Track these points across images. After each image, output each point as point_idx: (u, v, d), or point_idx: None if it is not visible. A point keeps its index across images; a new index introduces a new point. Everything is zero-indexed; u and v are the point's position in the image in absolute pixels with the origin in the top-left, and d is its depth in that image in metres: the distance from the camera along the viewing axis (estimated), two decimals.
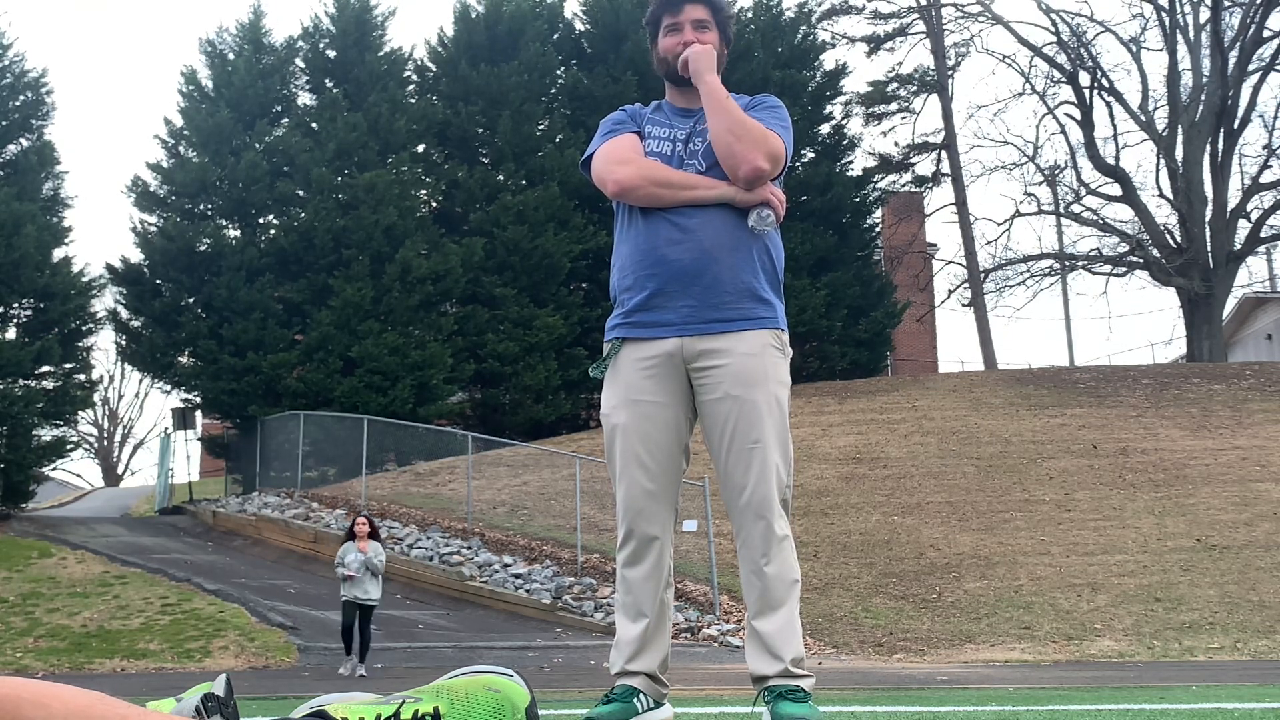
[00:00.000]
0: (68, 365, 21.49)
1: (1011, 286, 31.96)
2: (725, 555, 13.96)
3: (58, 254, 21.70)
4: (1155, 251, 29.31)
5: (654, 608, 2.79)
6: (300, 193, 23.44)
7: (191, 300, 23.05)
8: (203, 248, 23.11)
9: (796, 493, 16.85)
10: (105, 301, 26.33)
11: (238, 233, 23.87)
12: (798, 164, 27.64)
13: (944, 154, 30.62)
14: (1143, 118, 30.07)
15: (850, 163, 28.62)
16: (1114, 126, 36.31)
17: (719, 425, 2.77)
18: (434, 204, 25.21)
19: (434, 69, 26.43)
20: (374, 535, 10.79)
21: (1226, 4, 28.65)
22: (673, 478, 2.84)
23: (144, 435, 65.68)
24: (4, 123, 22.22)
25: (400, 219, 22.90)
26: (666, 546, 2.83)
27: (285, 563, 15.87)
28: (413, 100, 25.50)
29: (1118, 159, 30.63)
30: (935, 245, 35.26)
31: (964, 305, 30.77)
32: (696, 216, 2.76)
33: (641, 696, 2.75)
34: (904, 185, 31.79)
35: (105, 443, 46.12)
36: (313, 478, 20.01)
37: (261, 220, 24.22)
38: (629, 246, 2.87)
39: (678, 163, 2.83)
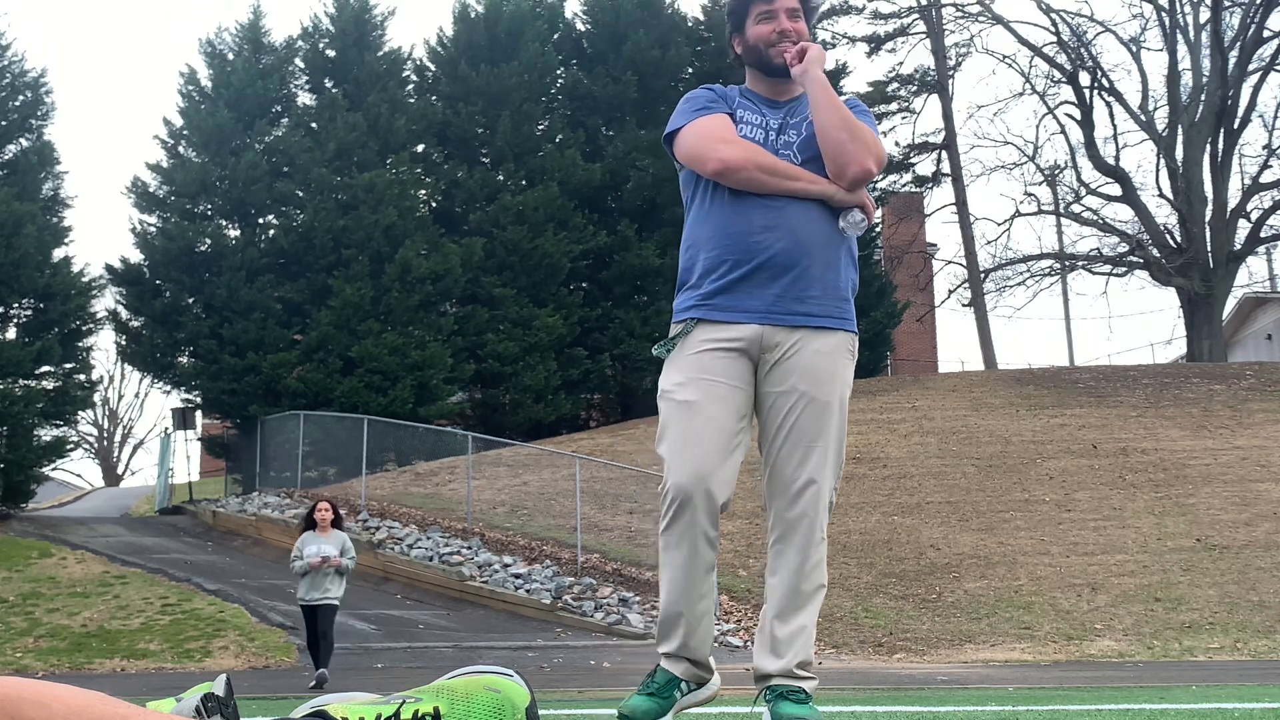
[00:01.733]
0: (68, 365, 21.49)
1: (1011, 286, 31.98)
2: (725, 555, 13.96)
3: (58, 254, 21.70)
4: (1155, 251, 29.31)
5: (704, 587, 2.73)
6: (300, 193, 23.43)
7: (191, 300, 23.05)
8: (203, 248, 23.11)
9: None
10: (105, 301, 26.35)
11: (238, 233, 23.87)
12: None
13: (944, 154, 30.63)
14: (1143, 118, 30.08)
15: None
16: (1114, 126, 36.36)
17: (780, 416, 2.72)
18: (434, 204, 25.21)
19: (434, 69, 26.43)
20: (338, 524, 9.54)
21: (1226, 4, 28.66)
22: (730, 462, 2.74)
23: (144, 435, 65.74)
24: (4, 123, 22.21)
25: (400, 219, 22.90)
26: (713, 529, 2.73)
27: (285, 563, 15.78)
28: (412, 100, 25.50)
29: (1118, 159, 30.65)
30: (935, 245, 35.26)
31: (964, 305, 30.79)
32: (791, 207, 2.71)
33: (683, 685, 2.72)
34: (904, 185, 31.80)
35: (105, 443, 46.12)
36: (313, 478, 20.00)
37: (261, 220, 24.22)
38: (712, 227, 2.78)
39: (770, 152, 2.76)
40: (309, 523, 9.61)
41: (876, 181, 29.45)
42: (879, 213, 29.88)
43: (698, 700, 2.77)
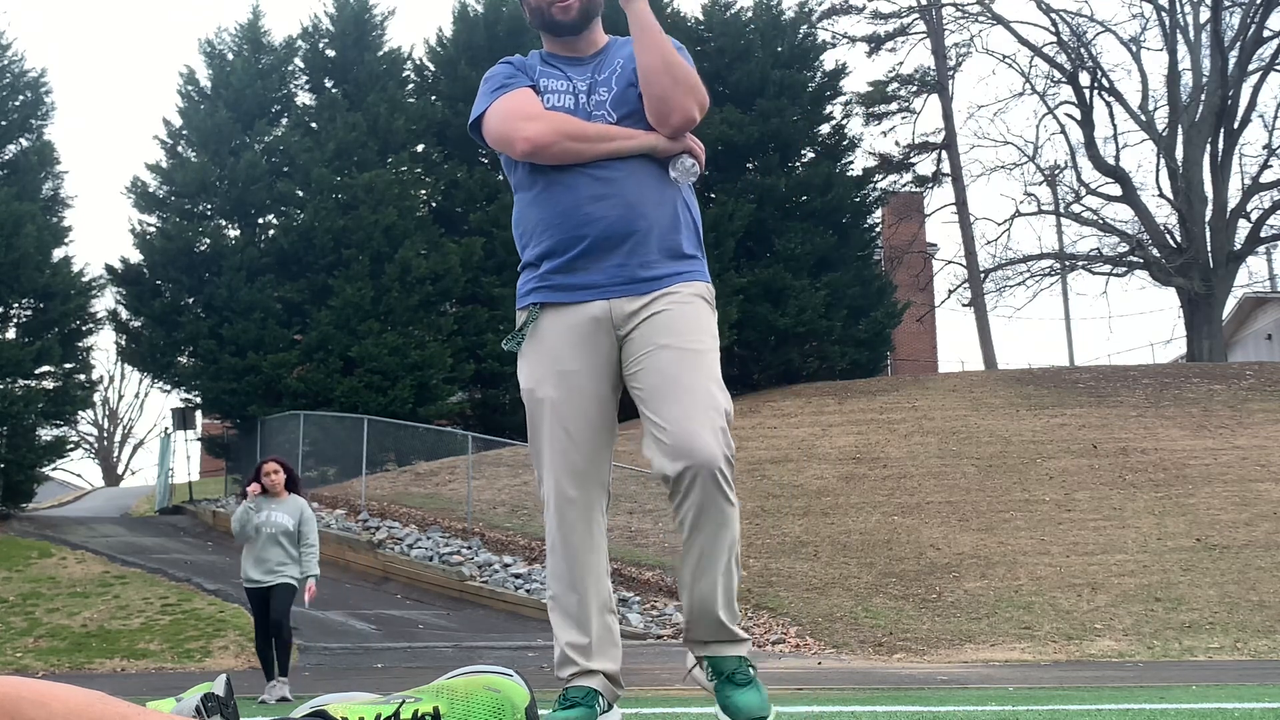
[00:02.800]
0: (68, 365, 21.49)
1: (1011, 286, 31.98)
2: None
3: (58, 254, 21.70)
4: (1155, 251, 29.31)
5: (602, 599, 2.60)
6: (300, 193, 23.44)
7: (191, 300, 23.05)
8: (202, 248, 23.12)
9: (796, 493, 16.85)
10: (105, 301, 26.39)
11: (237, 233, 23.87)
12: (798, 164, 27.65)
13: (944, 154, 30.63)
14: (1143, 118, 30.08)
15: (850, 163, 28.61)
16: (1114, 126, 36.37)
17: (651, 375, 2.52)
18: (434, 204, 25.21)
19: (433, 69, 26.43)
20: (293, 486, 8.12)
21: (1226, 4, 28.66)
22: (605, 456, 2.63)
23: (144, 435, 65.72)
24: (3, 123, 22.21)
25: (400, 219, 22.90)
26: (600, 529, 2.62)
27: None
28: (412, 100, 25.50)
29: (1118, 159, 30.65)
30: (935, 245, 35.26)
31: (964, 305, 30.78)
32: (618, 169, 2.54)
33: (601, 699, 2.55)
34: (904, 185, 31.79)
35: (105, 443, 46.12)
36: (313, 478, 20.00)
37: (261, 220, 24.22)
38: (542, 206, 2.60)
39: (582, 114, 2.57)
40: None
41: (876, 181, 29.48)
42: (879, 213, 29.89)
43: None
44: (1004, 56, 45.97)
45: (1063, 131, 34.08)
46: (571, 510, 2.60)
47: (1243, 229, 29.11)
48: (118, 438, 46.62)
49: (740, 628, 2.64)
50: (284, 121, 24.91)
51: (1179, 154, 29.02)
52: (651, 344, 2.53)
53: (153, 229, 23.30)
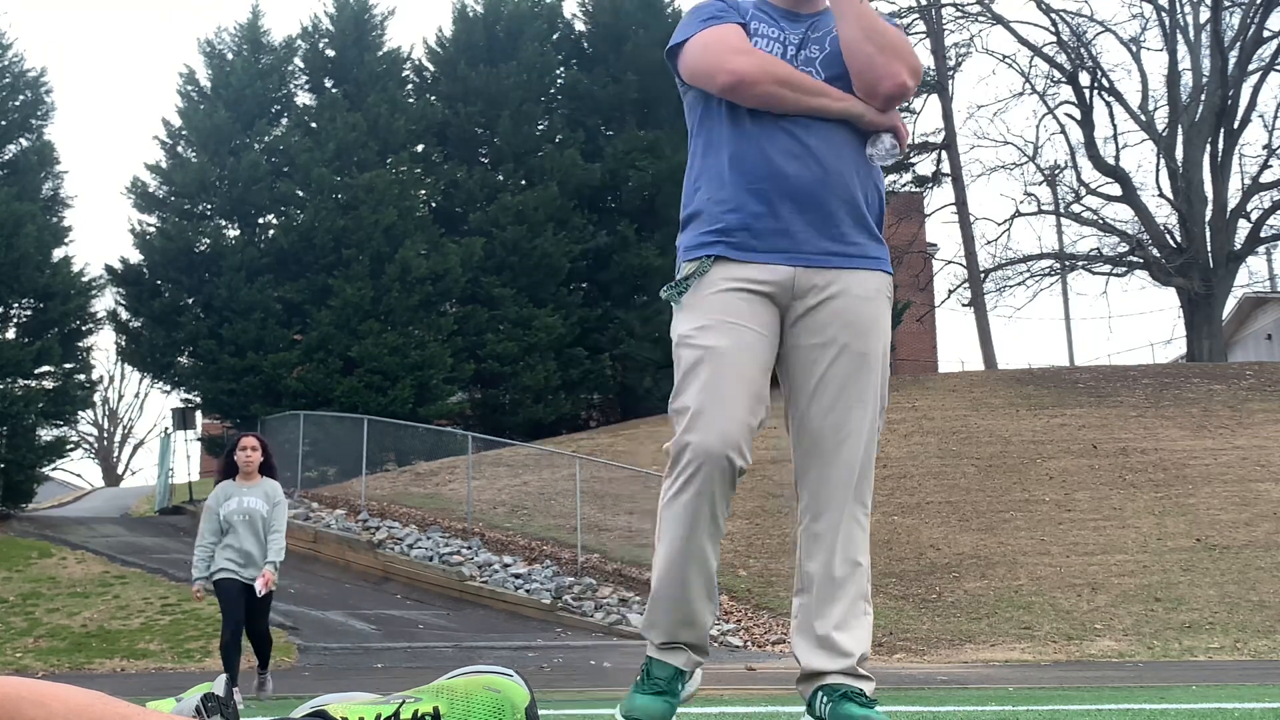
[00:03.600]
0: (68, 365, 21.48)
1: (1011, 286, 31.99)
2: (725, 555, 13.96)
3: (58, 254, 21.70)
4: (1155, 251, 29.31)
5: (709, 575, 2.41)
6: (300, 193, 23.44)
7: (191, 300, 23.05)
8: (202, 248, 23.12)
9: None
10: (105, 301, 26.35)
11: (237, 233, 23.88)
12: None
13: (944, 154, 30.63)
14: (1143, 118, 30.08)
15: None
16: (1114, 126, 36.26)
17: (818, 372, 2.38)
18: (434, 204, 25.21)
19: (433, 69, 26.43)
20: (268, 469, 7.51)
21: (1226, 4, 28.66)
22: (753, 425, 2.36)
23: (144, 435, 65.70)
24: (3, 122, 22.21)
25: (400, 219, 22.90)
26: (728, 501, 2.38)
27: (285, 563, 15.81)
28: (412, 100, 25.50)
29: (1118, 159, 30.65)
30: (935, 245, 35.24)
31: (964, 305, 30.78)
32: (817, 130, 2.36)
33: (684, 677, 2.43)
34: (904, 185, 31.79)
35: (105, 443, 46.12)
36: (313, 478, 20.00)
37: (261, 220, 24.23)
38: (727, 153, 2.41)
39: None
40: (228, 467, 7.48)
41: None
42: None
43: (691, 692, 2.50)
44: (1004, 56, 45.95)
45: (1063, 131, 34.08)
46: (717, 475, 2.31)
47: (1243, 229, 29.13)
48: (118, 438, 46.63)
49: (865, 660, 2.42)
50: (284, 121, 24.91)
51: (1179, 154, 29.02)
52: (826, 335, 2.38)
53: (152, 229, 23.31)
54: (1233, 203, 28.93)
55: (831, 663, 2.34)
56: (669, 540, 2.38)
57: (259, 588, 7.11)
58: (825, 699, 2.31)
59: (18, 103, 22.47)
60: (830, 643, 2.35)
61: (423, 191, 24.96)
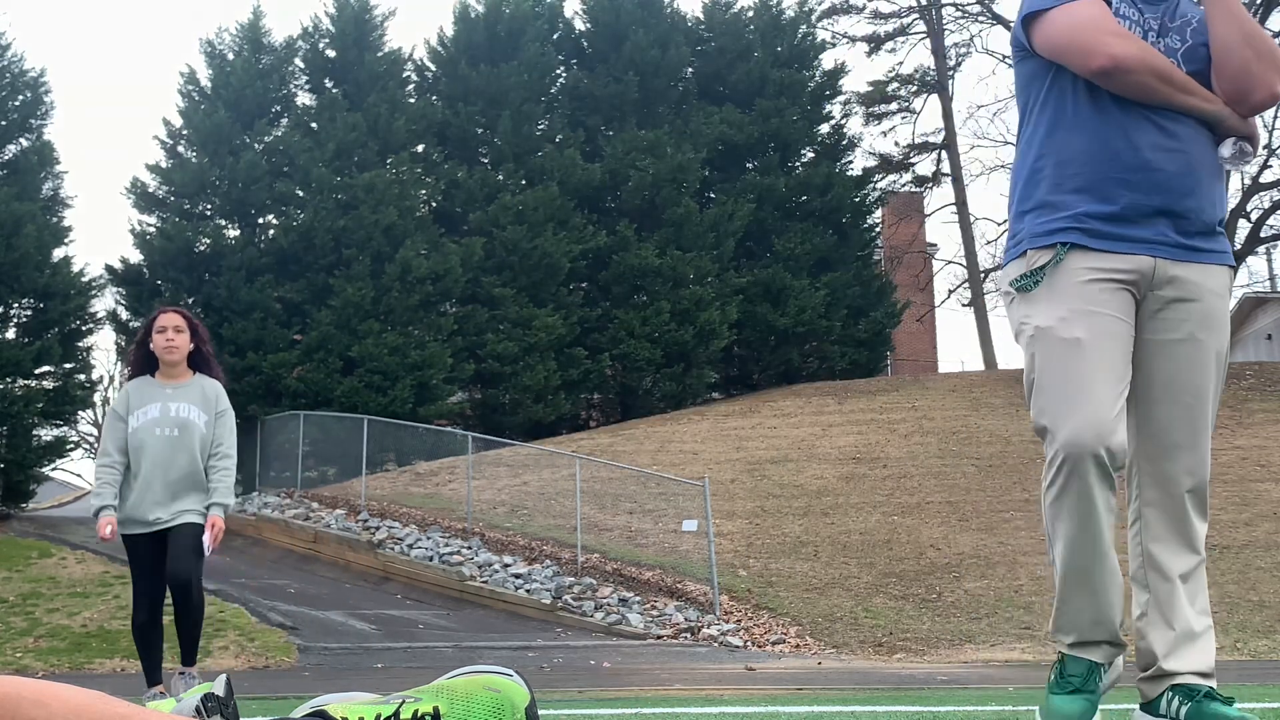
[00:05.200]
0: (68, 365, 21.49)
1: None
2: (725, 555, 13.96)
3: (58, 254, 21.71)
4: None
5: (1109, 559, 2.44)
6: (300, 193, 23.45)
7: (191, 300, 23.05)
8: (202, 248, 23.13)
9: (796, 493, 16.86)
10: (105, 301, 26.33)
11: (237, 233, 23.89)
12: (798, 164, 27.65)
13: (944, 154, 30.64)
14: None
15: (850, 163, 28.64)
16: None
17: (1170, 368, 2.36)
18: (434, 204, 25.23)
19: (433, 69, 26.44)
20: (202, 362, 5.15)
21: None
22: (1124, 415, 2.34)
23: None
24: (3, 122, 22.21)
25: (400, 219, 22.91)
26: (1112, 494, 2.39)
27: (285, 563, 15.88)
28: (412, 100, 25.52)
29: None
30: (935, 245, 35.28)
31: (964, 305, 30.79)
32: (1186, 126, 2.32)
33: (1102, 671, 2.42)
34: (904, 185, 31.81)
35: None
36: (313, 478, 20.00)
37: (261, 220, 24.24)
38: (1087, 138, 2.35)
39: None
40: (143, 358, 5.08)
41: (875, 181, 29.43)
42: (878, 213, 29.89)
43: (1112, 681, 2.47)
44: (1004, 57, 45.90)
45: None
46: (1094, 468, 2.31)
47: (1243, 229, 29.11)
48: None
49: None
50: (284, 121, 24.92)
51: None
52: (1183, 331, 2.35)
53: (152, 229, 23.32)
54: (1233, 203, 28.92)
55: (1185, 663, 2.36)
56: (1063, 541, 2.39)
57: (207, 544, 4.94)
58: (1180, 700, 2.31)
59: (17, 103, 22.47)
60: (1188, 642, 2.37)
61: (423, 191, 24.98)
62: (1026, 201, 2.45)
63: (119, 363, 36.73)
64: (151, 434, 5.01)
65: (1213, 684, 2.34)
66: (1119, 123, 2.33)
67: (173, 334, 5.06)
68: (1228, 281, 2.42)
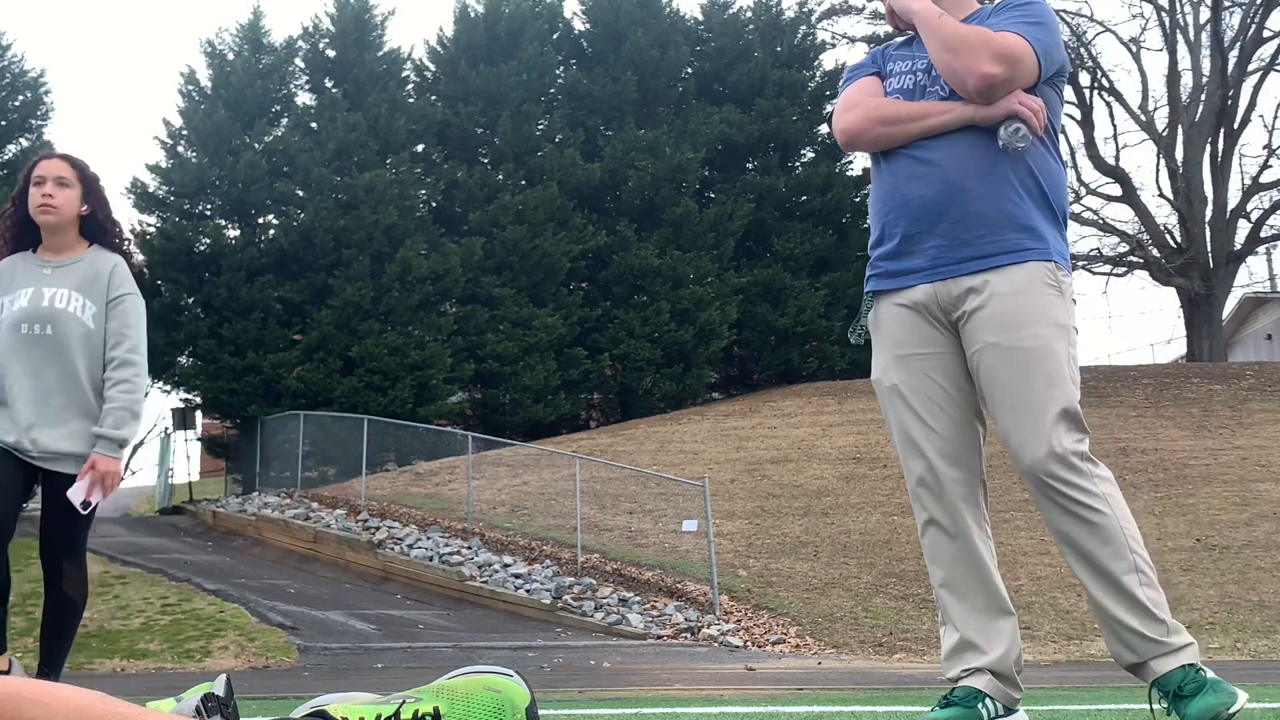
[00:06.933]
0: None
1: None
2: (725, 555, 13.96)
3: None
4: (1155, 251, 29.31)
5: (991, 591, 2.52)
6: (300, 193, 23.45)
7: (191, 300, 23.07)
8: (202, 248, 23.13)
9: (796, 493, 16.86)
10: None
11: (237, 233, 23.89)
12: (797, 164, 27.64)
13: None
14: (1143, 118, 30.07)
15: (850, 163, 28.61)
16: (1114, 126, 36.44)
17: (984, 381, 2.45)
18: (434, 204, 25.23)
19: (433, 69, 26.45)
20: (96, 230, 3.68)
21: (1226, 4, 28.65)
22: (971, 442, 2.55)
23: (144, 435, 65.61)
24: (3, 123, 22.22)
25: (400, 219, 22.91)
26: (974, 526, 2.54)
27: (285, 563, 15.88)
28: (412, 100, 25.52)
29: (1118, 159, 30.63)
30: None
31: None
32: (939, 147, 2.45)
33: (987, 701, 2.44)
34: None
35: None
36: (313, 478, 20.01)
37: (261, 220, 24.24)
38: (875, 193, 2.59)
39: (920, 94, 2.51)
40: (19, 224, 3.63)
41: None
42: None
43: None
44: None
45: (1063, 131, 34.01)
46: (950, 490, 2.52)
47: (1243, 229, 29.12)
48: None
49: (1174, 635, 2.46)
50: (284, 121, 24.93)
51: (1179, 154, 29.01)
52: (979, 341, 2.44)
53: (152, 229, 23.32)
54: (1233, 203, 28.93)
55: (1139, 652, 2.46)
56: (937, 586, 2.65)
57: (81, 494, 3.76)
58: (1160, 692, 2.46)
59: (17, 103, 22.48)
60: (1126, 630, 2.47)
61: (423, 191, 24.98)
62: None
63: None
64: (16, 333, 3.51)
65: (1174, 659, 2.46)
66: (886, 171, 2.54)
67: (52, 188, 3.56)
68: (1032, 274, 2.40)
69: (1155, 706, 2.41)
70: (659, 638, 11.94)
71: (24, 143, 22.59)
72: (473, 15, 25.95)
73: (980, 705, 2.41)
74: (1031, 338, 2.38)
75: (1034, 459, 2.41)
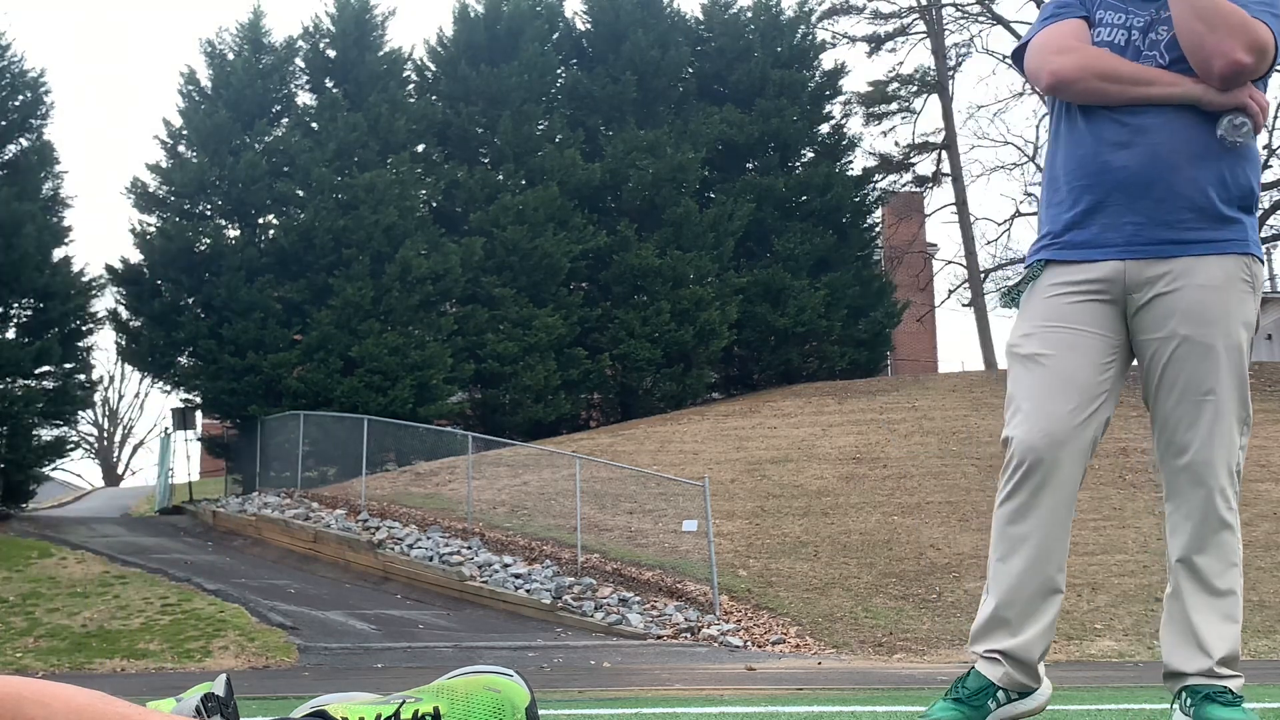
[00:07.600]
0: (68, 365, 21.49)
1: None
2: (725, 555, 13.96)
3: (58, 254, 21.71)
4: None
5: (1046, 574, 2.44)
6: (300, 193, 23.44)
7: (191, 300, 23.06)
8: (202, 248, 23.13)
9: (796, 493, 16.86)
10: (105, 301, 26.35)
11: (237, 233, 23.89)
12: (798, 164, 27.65)
13: (944, 154, 30.62)
14: None
15: (850, 163, 28.64)
16: None
17: (1159, 367, 2.37)
18: (434, 204, 25.23)
19: (434, 69, 26.44)
20: None
21: None
22: (1091, 426, 2.39)
23: (144, 435, 65.70)
24: (3, 123, 22.21)
25: (400, 219, 22.91)
26: (1071, 502, 2.41)
27: (285, 563, 15.88)
28: (412, 100, 25.51)
29: None
30: (935, 245, 35.27)
31: (964, 305, 30.78)
32: (1152, 116, 2.29)
33: (999, 694, 2.38)
34: (904, 185, 31.79)
35: (105, 443, 46.11)
36: (313, 478, 20.01)
37: (261, 220, 24.24)
38: (1063, 152, 2.41)
39: (1133, 54, 2.35)
40: None
41: (875, 181, 29.41)
42: (878, 213, 29.87)
43: (1017, 713, 2.43)
44: (1004, 57, 45.89)
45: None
46: (1041, 472, 2.36)
47: None
48: (118, 438, 46.63)
49: (1236, 664, 2.39)
50: (284, 121, 24.92)
51: None
52: (1165, 329, 2.33)
53: (152, 229, 23.32)
54: None
55: (1192, 663, 2.33)
56: (1004, 548, 2.48)
57: None
58: (1189, 700, 2.32)
59: (17, 103, 22.46)
60: (1197, 643, 2.34)
61: (423, 191, 24.98)
62: (1038, 222, 2.54)
63: (119, 362, 36.74)
64: None
65: (1225, 683, 2.32)
66: (1085, 131, 2.37)
67: None
68: (1231, 270, 2.32)
69: (1174, 706, 2.38)
70: (659, 638, 11.94)
71: (24, 143, 22.57)
72: (473, 15, 25.95)
73: (991, 701, 2.38)
74: (1225, 335, 2.32)
75: (1205, 462, 2.38)
